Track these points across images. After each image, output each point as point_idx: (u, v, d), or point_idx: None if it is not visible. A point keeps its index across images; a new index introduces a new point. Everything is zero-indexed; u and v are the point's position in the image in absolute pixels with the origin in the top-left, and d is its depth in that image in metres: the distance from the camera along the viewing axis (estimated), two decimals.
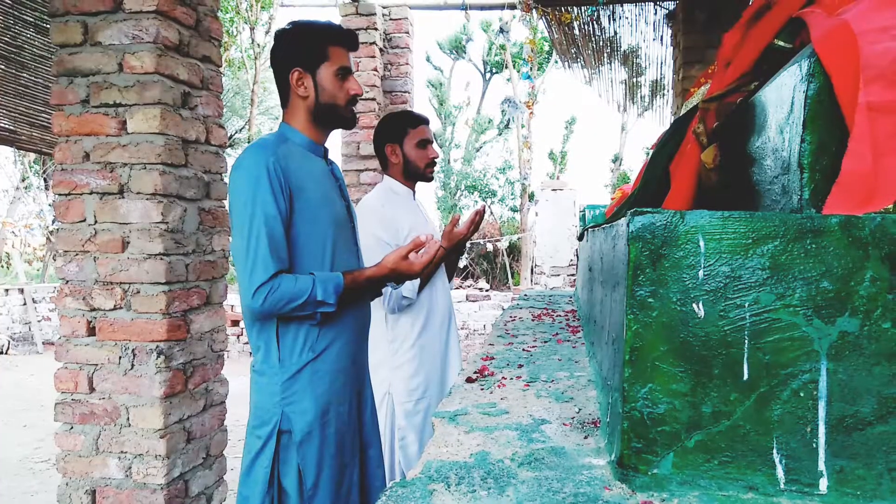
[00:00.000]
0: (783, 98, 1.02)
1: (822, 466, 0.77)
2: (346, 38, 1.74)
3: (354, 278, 1.69)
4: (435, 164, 2.52)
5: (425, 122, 2.51)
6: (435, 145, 2.54)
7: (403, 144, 2.45)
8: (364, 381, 1.86)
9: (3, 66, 3.95)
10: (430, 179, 2.53)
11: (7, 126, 4.65)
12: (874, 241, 0.76)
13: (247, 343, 9.08)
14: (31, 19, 3.70)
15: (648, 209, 0.82)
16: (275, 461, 1.64)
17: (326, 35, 1.70)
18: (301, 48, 1.69)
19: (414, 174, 2.48)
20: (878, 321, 0.76)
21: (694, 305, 0.80)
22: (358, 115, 5.39)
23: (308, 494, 1.63)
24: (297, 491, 1.64)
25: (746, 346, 0.78)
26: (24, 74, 4.10)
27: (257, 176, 1.57)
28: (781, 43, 1.22)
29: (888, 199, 0.84)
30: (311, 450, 1.64)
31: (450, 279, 2.64)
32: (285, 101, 1.75)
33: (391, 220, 2.36)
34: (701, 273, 0.80)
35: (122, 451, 2.42)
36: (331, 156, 1.87)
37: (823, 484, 0.77)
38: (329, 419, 1.68)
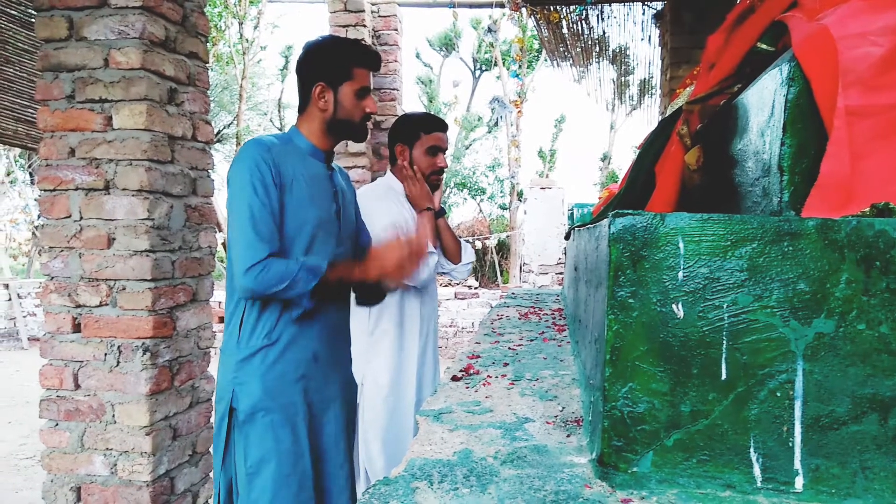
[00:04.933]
0: (764, 101, 1.03)
1: (797, 465, 0.78)
2: (371, 60, 1.83)
3: (339, 272, 1.74)
4: (442, 172, 2.47)
5: (442, 129, 2.46)
6: (446, 155, 2.47)
7: (413, 147, 2.41)
8: (333, 379, 1.87)
9: None
10: (434, 187, 2.48)
11: None
12: (850, 244, 0.77)
13: None
14: (16, 13, 3.67)
15: (629, 211, 0.83)
16: (228, 439, 1.72)
17: (354, 56, 1.80)
18: (328, 65, 1.79)
19: None
20: (854, 322, 0.77)
21: (673, 306, 0.81)
22: None
23: (250, 472, 1.68)
24: (243, 471, 1.70)
25: (724, 346, 0.80)
26: (9, 69, 4.06)
27: (250, 167, 1.66)
28: (764, 46, 1.23)
29: (865, 202, 0.86)
30: (253, 431, 1.69)
31: (457, 256, 2.54)
32: (303, 108, 1.84)
33: (393, 211, 2.37)
34: (680, 274, 0.81)
35: (107, 448, 2.41)
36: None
37: (799, 482, 0.78)
38: (275, 405, 1.71)
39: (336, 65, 1.78)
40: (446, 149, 2.48)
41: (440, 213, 2.50)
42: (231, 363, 1.73)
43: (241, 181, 1.67)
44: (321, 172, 1.83)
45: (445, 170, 2.48)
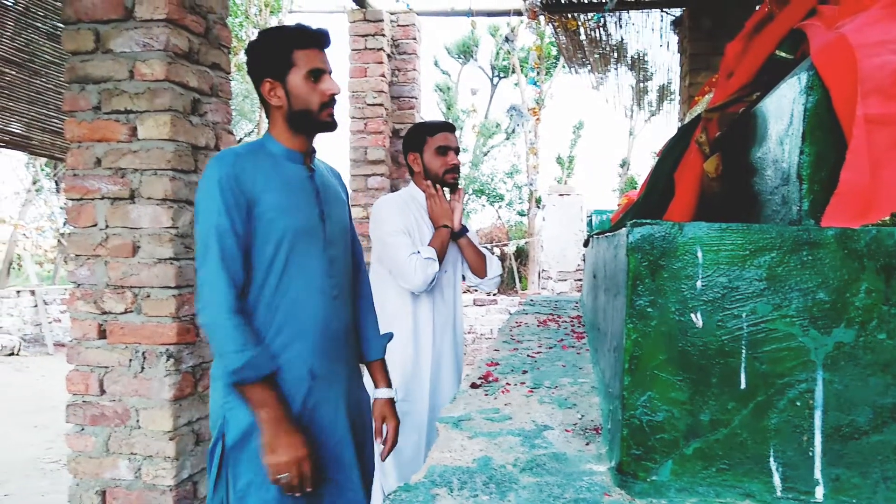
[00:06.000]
0: (783, 110, 1.03)
1: (818, 475, 0.78)
2: (312, 39, 1.67)
3: (256, 393, 1.55)
4: (456, 169, 2.52)
5: (446, 129, 2.53)
6: (455, 154, 2.53)
7: (423, 152, 2.49)
8: (335, 396, 1.74)
9: (16, 73, 4.00)
10: (452, 185, 2.53)
11: (20, 131, 4.70)
12: (869, 254, 0.77)
13: None
14: (44, 27, 3.75)
15: (648, 220, 0.83)
16: (221, 465, 1.63)
17: (290, 40, 1.65)
18: (267, 58, 1.67)
19: (434, 181, 2.51)
20: (874, 332, 0.77)
21: (692, 315, 0.81)
22: (365, 120, 5.34)
23: (238, 496, 1.59)
24: (233, 496, 1.61)
25: (744, 355, 0.80)
26: (37, 81, 4.15)
27: (210, 190, 1.57)
28: (783, 54, 1.23)
29: (885, 210, 0.85)
30: (243, 456, 1.59)
31: (482, 271, 2.59)
32: (267, 112, 1.74)
33: (407, 220, 2.44)
34: (699, 283, 0.81)
35: (131, 453, 2.45)
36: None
37: (819, 492, 0.78)
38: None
39: (275, 55, 1.65)
40: (456, 147, 2.54)
41: (461, 232, 2.55)
42: (220, 387, 1.63)
43: (199, 206, 1.58)
44: (300, 175, 1.71)
45: (459, 166, 2.54)
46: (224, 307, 1.54)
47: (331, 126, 1.73)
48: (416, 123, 2.64)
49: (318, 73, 1.67)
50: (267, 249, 1.62)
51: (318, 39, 1.68)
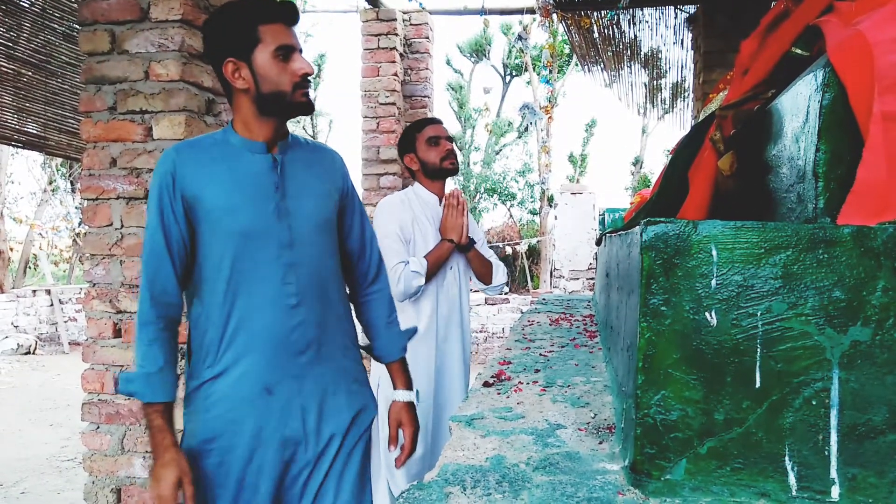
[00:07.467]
0: (798, 107, 1.02)
1: (833, 474, 0.78)
2: (279, 13, 1.47)
3: (151, 411, 1.47)
4: (453, 154, 2.55)
5: (431, 121, 2.58)
6: (448, 141, 2.58)
7: (417, 150, 2.54)
8: (300, 416, 1.52)
9: (32, 74, 4.05)
10: (453, 171, 2.57)
11: (36, 132, 4.75)
12: (886, 252, 0.77)
13: None
14: (60, 28, 3.79)
15: (661, 219, 0.83)
16: None
17: (253, 14, 1.45)
18: (228, 35, 1.46)
19: (434, 172, 2.54)
20: (891, 330, 0.76)
21: (706, 314, 0.81)
22: (377, 120, 5.34)
23: None
24: None
25: (759, 354, 0.79)
26: (53, 81, 4.19)
27: (151, 188, 1.48)
28: (799, 51, 1.22)
29: None
30: (194, 476, 1.46)
31: (488, 279, 2.65)
32: (229, 98, 1.54)
33: (405, 219, 2.47)
34: (713, 282, 0.81)
35: (146, 451, 2.47)
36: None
37: (835, 491, 0.77)
38: (217, 450, 1.48)
39: (237, 31, 1.44)
40: (447, 135, 2.57)
41: (469, 245, 2.58)
42: (184, 396, 1.52)
43: (148, 208, 1.48)
44: (257, 167, 1.50)
45: (454, 151, 2.57)
46: (139, 316, 1.48)
47: (307, 107, 1.53)
48: (403, 129, 2.68)
49: (287, 51, 1.46)
50: (214, 253, 1.48)
51: (285, 13, 1.48)
